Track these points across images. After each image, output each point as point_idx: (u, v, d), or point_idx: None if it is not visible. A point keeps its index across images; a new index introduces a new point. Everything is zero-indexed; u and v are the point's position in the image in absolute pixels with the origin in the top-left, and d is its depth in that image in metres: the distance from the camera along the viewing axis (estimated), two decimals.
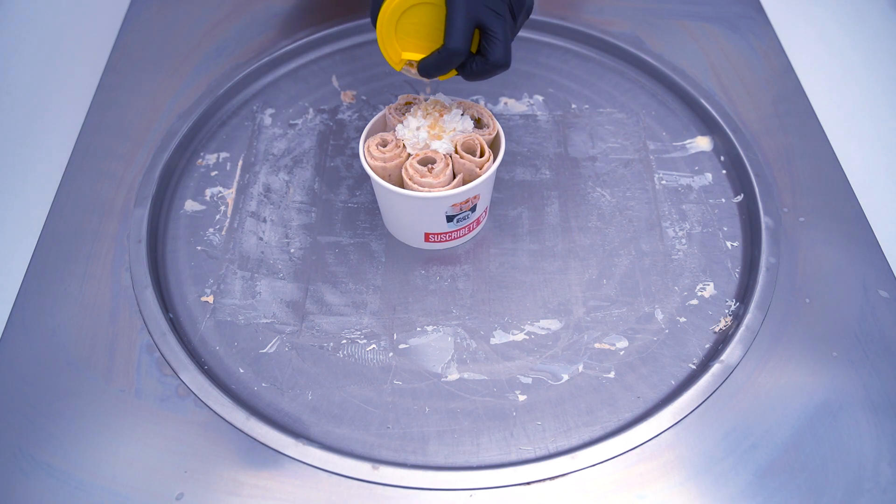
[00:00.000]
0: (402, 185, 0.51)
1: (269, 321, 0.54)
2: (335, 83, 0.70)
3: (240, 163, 0.64)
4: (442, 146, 0.51)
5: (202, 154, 0.64)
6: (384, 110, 0.54)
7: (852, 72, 0.73)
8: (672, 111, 0.67)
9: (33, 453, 0.46)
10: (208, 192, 0.62)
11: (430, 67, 0.48)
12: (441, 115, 0.52)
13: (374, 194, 0.59)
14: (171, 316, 0.54)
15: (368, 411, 0.49)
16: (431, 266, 0.57)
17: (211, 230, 0.59)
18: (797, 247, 0.56)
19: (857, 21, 0.78)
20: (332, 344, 0.53)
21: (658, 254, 0.57)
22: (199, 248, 0.58)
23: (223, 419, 0.48)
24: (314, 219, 0.60)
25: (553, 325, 0.54)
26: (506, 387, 0.50)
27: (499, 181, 0.62)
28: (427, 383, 0.51)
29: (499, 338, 0.53)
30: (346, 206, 0.61)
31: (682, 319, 0.54)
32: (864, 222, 0.57)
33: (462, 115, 0.52)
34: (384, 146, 0.52)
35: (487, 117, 0.54)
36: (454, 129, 0.52)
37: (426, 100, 0.53)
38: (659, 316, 0.54)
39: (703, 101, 0.66)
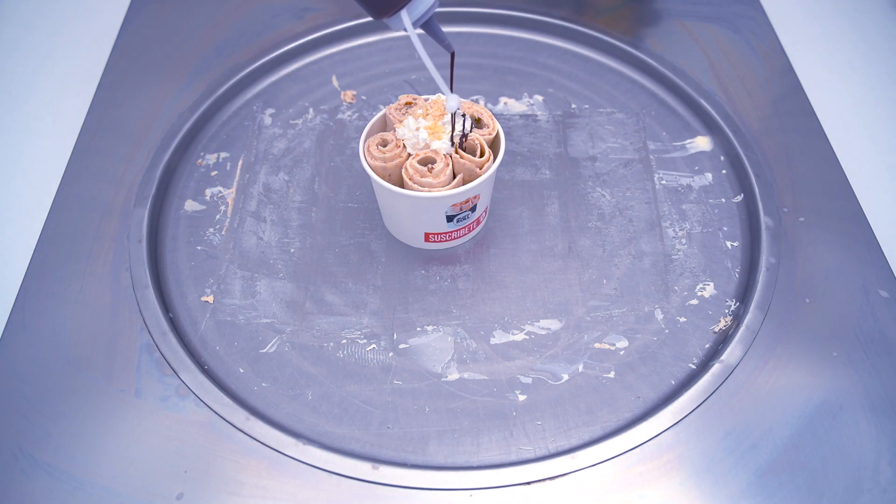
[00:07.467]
0: (402, 185, 0.51)
1: (269, 321, 0.54)
2: (335, 83, 0.70)
3: (240, 163, 0.64)
4: (442, 146, 0.51)
5: (202, 154, 0.64)
6: (384, 110, 0.54)
7: (852, 72, 0.72)
8: (672, 111, 0.67)
9: (33, 453, 0.46)
10: (208, 192, 0.62)
11: None
12: (441, 115, 0.52)
13: (374, 194, 0.59)
14: (171, 316, 0.54)
15: (368, 411, 0.49)
16: (431, 266, 0.57)
17: (211, 230, 0.59)
18: (797, 247, 0.56)
19: (857, 21, 0.78)
20: (332, 344, 0.53)
21: (658, 254, 0.57)
22: (199, 248, 0.58)
23: (223, 419, 0.48)
24: (314, 219, 0.60)
25: (553, 325, 0.53)
26: (506, 387, 0.50)
27: (499, 181, 0.62)
28: (427, 383, 0.51)
29: (499, 338, 0.53)
30: (346, 206, 0.61)
31: (682, 319, 0.54)
32: (864, 222, 0.57)
33: (462, 115, 0.52)
34: (384, 146, 0.52)
35: (487, 117, 0.54)
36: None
37: (426, 100, 0.53)
38: (659, 316, 0.54)
39: (703, 101, 0.66)
